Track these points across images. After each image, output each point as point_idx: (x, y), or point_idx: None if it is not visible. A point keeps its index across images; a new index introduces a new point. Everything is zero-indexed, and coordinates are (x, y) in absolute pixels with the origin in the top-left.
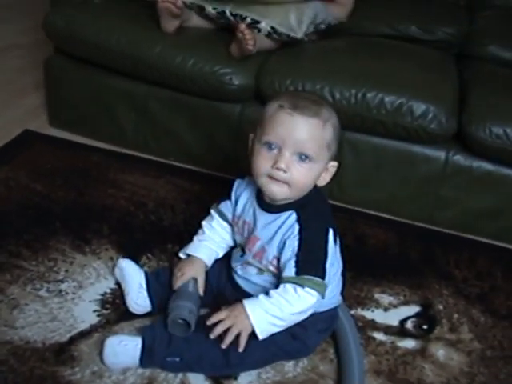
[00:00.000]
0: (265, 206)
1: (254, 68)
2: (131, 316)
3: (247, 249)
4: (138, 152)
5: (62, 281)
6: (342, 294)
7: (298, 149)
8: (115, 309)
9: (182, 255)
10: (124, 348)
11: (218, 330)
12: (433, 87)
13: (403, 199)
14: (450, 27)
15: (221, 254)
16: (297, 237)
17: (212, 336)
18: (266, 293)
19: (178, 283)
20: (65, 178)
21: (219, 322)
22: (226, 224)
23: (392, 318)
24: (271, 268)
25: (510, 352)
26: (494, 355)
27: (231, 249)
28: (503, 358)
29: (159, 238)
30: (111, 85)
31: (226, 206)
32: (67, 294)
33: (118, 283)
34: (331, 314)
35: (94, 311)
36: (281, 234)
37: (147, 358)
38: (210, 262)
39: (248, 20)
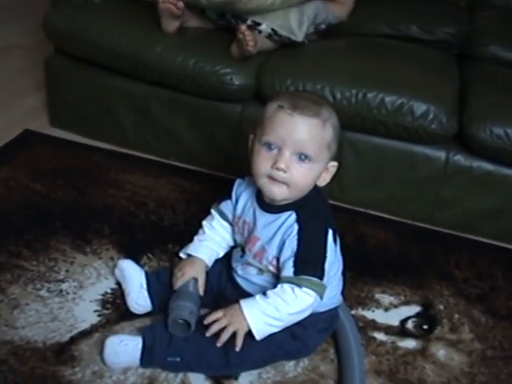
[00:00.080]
0: (265, 207)
1: (254, 68)
2: (132, 316)
3: (247, 249)
4: (138, 152)
5: (62, 281)
6: (342, 293)
7: (298, 149)
8: (116, 309)
9: (182, 255)
10: (124, 348)
11: (214, 328)
12: (433, 87)
13: (403, 199)
14: (451, 27)
15: (221, 254)
16: (296, 237)
17: (208, 334)
18: (264, 293)
19: (178, 283)
20: (65, 178)
21: (216, 321)
22: (226, 224)
23: (392, 318)
24: (271, 268)
25: (510, 352)
26: (495, 355)
27: (232, 248)
28: (504, 359)
29: (160, 238)
30: (112, 85)
31: (226, 206)
32: (68, 293)
33: (118, 283)
34: (332, 314)
35: (95, 311)
36: (280, 234)
37: (148, 357)
38: (210, 262)
39: (248, 22)
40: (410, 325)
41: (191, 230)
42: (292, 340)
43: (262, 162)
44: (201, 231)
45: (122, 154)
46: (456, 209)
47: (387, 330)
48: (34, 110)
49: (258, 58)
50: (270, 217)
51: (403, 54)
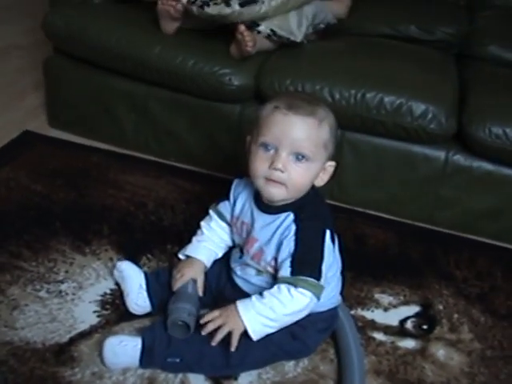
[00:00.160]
0: (263, 207)
1: (253, 68)
2: (131, 316)
3: (245, 250)
4: (138, 152)
5: (61, 281)
6: (341, 293)
7: (295, 149)
8: (115, 309)
9: (181, 256)
10: (123, 348)
11: (209, 327)
12: (432, 87)
13: (403, 199)
14: (450, 27)
15: (220, 255)
16: (293, 237)
17: (203, 333)
18: (260, 293)
19: (177, 284)
20: (65, 178)
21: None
22: (224, 224)
23: (392, 318)
24: (269, 269)
25: (510, 352)
26: (494, 355)
27: (230, 249)
28: (503, 358)
29: (159, 239)
30: (111, 85)
31: (224, 207)
32: (67, 294)
33: (117, 284)
34: (331, 314)
35: (94, 312)
36: (278, 235)
37: (147, 358)
38: (209, 263)
39: (247, 22)
40: (409, 325)
41: (191, 230)
42: (292, 340)
43: (260, 163)
44: (199, 232)
45: (121, 154)
46: (456, 209)
47: (387, 330)
48: (33, 111)
49: (257, 58)
50: (267, 218)
51: (402, 54)
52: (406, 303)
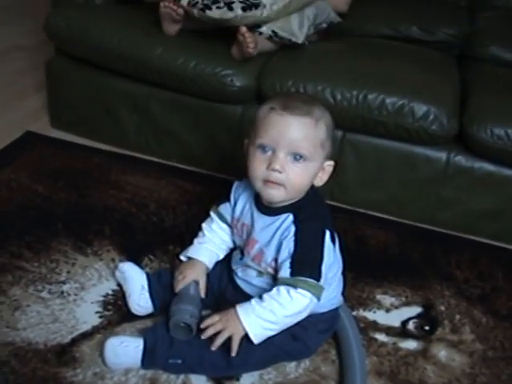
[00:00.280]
0: (263, 209)
1: (255, 69)
2: (133, 317)
3: (246, 251)
4: (139, 153)
5: (63, 282)
6: (342, 294)
7: (292, 149)
8: (117, 310)
9: (182, 258)
10: (125, 349)
11: (209, 332)
12: (434, 88)
13: (404, 200)
14: (451, 28)
15: (221, 256)
16: (293, 238)
17: (203, 337)
18: (260, 296)
19: (179, 286)
20: (66, 179)
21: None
22: (225, 226)
23: (394, 318)
24: (270, 270)
25: (511, 353)
26: (496, 356)
27: (232, 250)
28: (505, 359)
29: (161, 240)
30: (113, 86)
31: (225, 208)
32: (69, 295)
33: (119, 284)
34: (332, 315)
35: (96, 312)
36: (278, 236)
37: (149, 359)
38: (210, 264)
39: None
40: (411, 326)
41: (192, 231)
42: (293, 341)
43: (258, 165)
44: (200, 234)
45: (122, 155)
46: (457, 209)
47: (388, 330)
48: (34, 112)
49: (258, 59)
50: (267, 219)
51: (403, 54)
52: (407, 304)
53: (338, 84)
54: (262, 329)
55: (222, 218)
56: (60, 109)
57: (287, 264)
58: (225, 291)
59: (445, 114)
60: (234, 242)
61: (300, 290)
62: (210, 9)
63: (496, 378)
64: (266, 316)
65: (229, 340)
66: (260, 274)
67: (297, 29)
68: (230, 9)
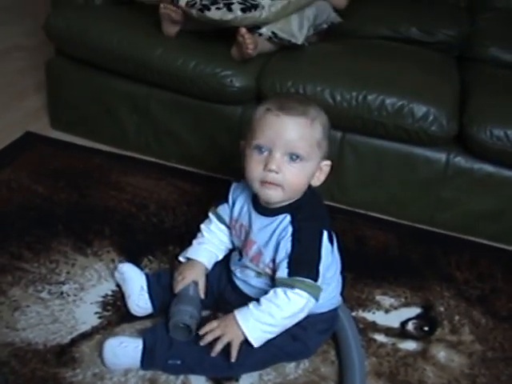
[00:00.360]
0: (260, 210)
1: (255, 70)
2: (132, 318)
3: (244, 252)
4: (139, 154)
5: (63, 283)
6: (342, 295)
7: (289, 149)
8: (116, 311)
9: (182, 259)
10: (124, 350)
11: (208, 338)
12: (433, 89)
13: (404, 201)
14: (451, 29)
15: (220, 257)
16: (290, 238)
17: (202, 343)
18: (257, 300)
19: (178, 287)
20: (66, 179)
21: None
22: (224, 227)
23: (393, 319)
24: (268, 271)
25: (511, 354)
26: (495, 357)
27: (231, 251)
28: (504, 360)
29: (161, 240)
30: (113, 87)
31: (223, 209)
32: (68, 295)
33: (119, 285)
34: (331, 315)
35: (96, 313)
36: (276, 236)
37: (148, 360)
38: (210, 265)
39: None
40: (410, 326)
41: (192, 232)
42: (292, 341)
43: (255, 166)
44: (199, 235)
45: (122, 156)
46: (457, 210)
47: (388, 331)
48: (34, 112)
49: (258, 60)
50: (265, 220)
51: (403, 55)
52: (406, 305)
53: (338, 85)
54: (261, 332)
55: (220, 219)
56: (60, 109)
57: (285, 264)
58: (224, 292)
59: (444, 115)
60: (232, 243)
61: (297, 291)
62: (209, 9)
63: (495, 379)
64: (264, 319)
65: (228, 345)
66: (258, 274)
67: (296, 30)
68: (230, 10)
